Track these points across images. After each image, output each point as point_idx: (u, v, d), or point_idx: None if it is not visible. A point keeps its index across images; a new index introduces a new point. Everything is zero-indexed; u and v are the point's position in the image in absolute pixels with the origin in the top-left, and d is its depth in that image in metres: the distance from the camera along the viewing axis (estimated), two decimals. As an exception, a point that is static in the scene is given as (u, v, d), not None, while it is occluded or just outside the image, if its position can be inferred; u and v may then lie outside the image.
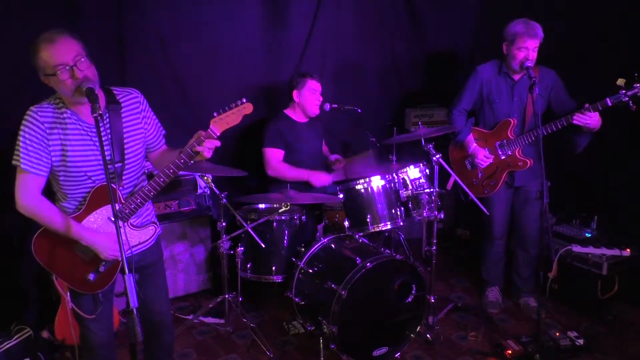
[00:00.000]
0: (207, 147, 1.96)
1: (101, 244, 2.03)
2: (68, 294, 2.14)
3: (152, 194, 2.08)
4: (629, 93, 2.82)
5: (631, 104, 2.82)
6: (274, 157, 3.52)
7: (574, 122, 2.96)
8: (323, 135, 3.83)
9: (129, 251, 2.10)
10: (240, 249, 3.10)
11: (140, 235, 2.17)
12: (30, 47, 1.90)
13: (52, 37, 1.88)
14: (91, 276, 2.06)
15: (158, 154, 2.30)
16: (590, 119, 2.93)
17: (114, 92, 2.10)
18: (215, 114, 1.99)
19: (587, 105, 2.93)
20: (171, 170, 2.02)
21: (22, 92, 2.90)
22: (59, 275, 2.08)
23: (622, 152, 3.58)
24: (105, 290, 2.14)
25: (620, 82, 2.82)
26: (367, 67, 4.30)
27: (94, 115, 1.79)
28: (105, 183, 2.04)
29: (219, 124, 1.99)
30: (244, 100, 2.00)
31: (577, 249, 3.37)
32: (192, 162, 2.00)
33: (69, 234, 2.00)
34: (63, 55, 1.86)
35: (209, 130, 1.97)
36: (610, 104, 2.86)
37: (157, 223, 2.28)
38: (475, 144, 3.37)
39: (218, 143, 1.99)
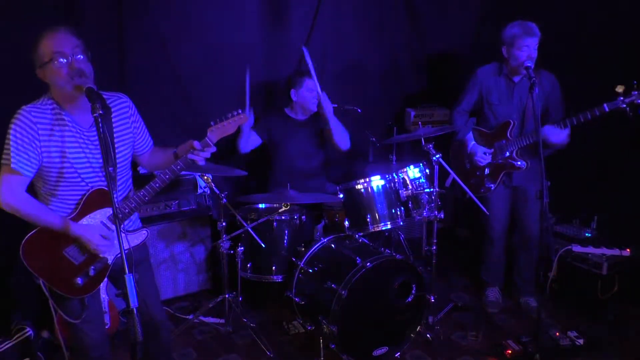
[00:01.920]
0: (204, 156, 2.04)
1: (93, 237, 2.02)
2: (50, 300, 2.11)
3: (147, 198, 2.10)
4: (627, 100, 2.83)
5: (628, 111, 2.84)
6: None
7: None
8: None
9: (119, 255, 2.10)
10: (240, 248, 3.11)
11: (132, 239, 2.17)
12: (32, 42, 1.92)
13: (54, 28, 1.92)
14: (79, 280, 2.05)
15: (148, 155, 2.33)
16: (555, 134, 2.98)
17: (104, 96, 2.09)
18: (212, 123, 2.05)
19: (567, 120, 2.99)
20: (167, 176, 2.07)
21: (21, 92, 2.89)
22: (47, 279, 2.05)
23: (622, 152, 3.58)
24: (92, 293, 2.12)
25: (619, 88, 2.84)
26: (367, 67, 4.30)
27: (94, 115, 1.78)
28: (99, 187, 2.05)
29: (216, 133, 2.06)
30: (240, 111, 2.06)
31: (577, 249, 3.37)
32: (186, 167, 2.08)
33: (61, 227, 1.99)
34: (62, 45, 1.89)
35: (205, 139, 2.03)
36: (607, 109, 2.88)
37: (146, 229, 2.29)
38: (473, 142, 3.38)
39: (214, 149, 2.06)
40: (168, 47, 3.48)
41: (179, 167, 2.05)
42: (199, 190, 3.58)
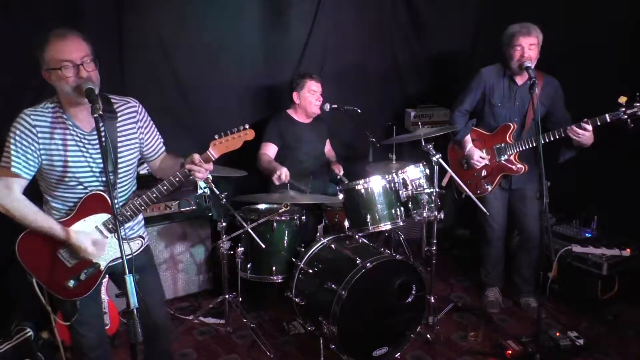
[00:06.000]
0: (198, 170, 1.96)
1: (84, 243, 2.00)
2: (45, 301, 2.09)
3: (143, 207, 2.07)
4: (629, 111, 2.82)
5: (629, 122, 2.83)
6: (264, 149, 3.57)
7: (568, 132, 2.96)
8: (326, 137, 3.84)
9: (112, 262, 2.09)
10: (240, 249, 3.11)
11: (126, 246, 2.15)
12: (39, 39, 1.89)
13: (64, 33, 1.89)
14: (71, 283, 2.03)
15: (158, 162, 2.30)
16: (583, 136, 2.93)
17: (112, 100, 2.08)
18: (215, 137, 1.97)
19: (585, 119, 2.93)
20: (165, 187, 2.03)
21: (21, 92, 2.90)
22: (40, 278, 2.04)
23: (622, 152, 3.57)
24: (87, 295, 2.10)
25: (622, 99, 2.82)
26: (367, 67, 4.30)
27: (94, 115, 1.78)
28: (97, 192, 2.03)
29: (219, 148, 1.97)
30: (247, 126, 1.99)
31: (577, 249, 3.37)
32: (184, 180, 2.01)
33: (53, 232, 1.97)
34: (71, 52, 1.87)
35: (207, 152, 1.96)
36: (609, 120, 2.88)
37: (145, 237, 2.26)
38: (471, 145, 3.37)
39: (211, 167, 1.99)
40: (168, 47, 3.48)
41: (177, 179, 2.01)
42: (199, 191, 3.58)
